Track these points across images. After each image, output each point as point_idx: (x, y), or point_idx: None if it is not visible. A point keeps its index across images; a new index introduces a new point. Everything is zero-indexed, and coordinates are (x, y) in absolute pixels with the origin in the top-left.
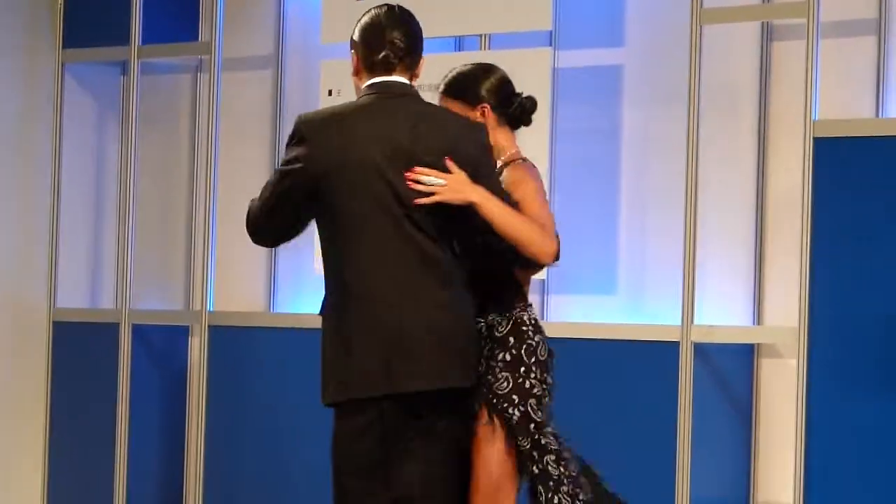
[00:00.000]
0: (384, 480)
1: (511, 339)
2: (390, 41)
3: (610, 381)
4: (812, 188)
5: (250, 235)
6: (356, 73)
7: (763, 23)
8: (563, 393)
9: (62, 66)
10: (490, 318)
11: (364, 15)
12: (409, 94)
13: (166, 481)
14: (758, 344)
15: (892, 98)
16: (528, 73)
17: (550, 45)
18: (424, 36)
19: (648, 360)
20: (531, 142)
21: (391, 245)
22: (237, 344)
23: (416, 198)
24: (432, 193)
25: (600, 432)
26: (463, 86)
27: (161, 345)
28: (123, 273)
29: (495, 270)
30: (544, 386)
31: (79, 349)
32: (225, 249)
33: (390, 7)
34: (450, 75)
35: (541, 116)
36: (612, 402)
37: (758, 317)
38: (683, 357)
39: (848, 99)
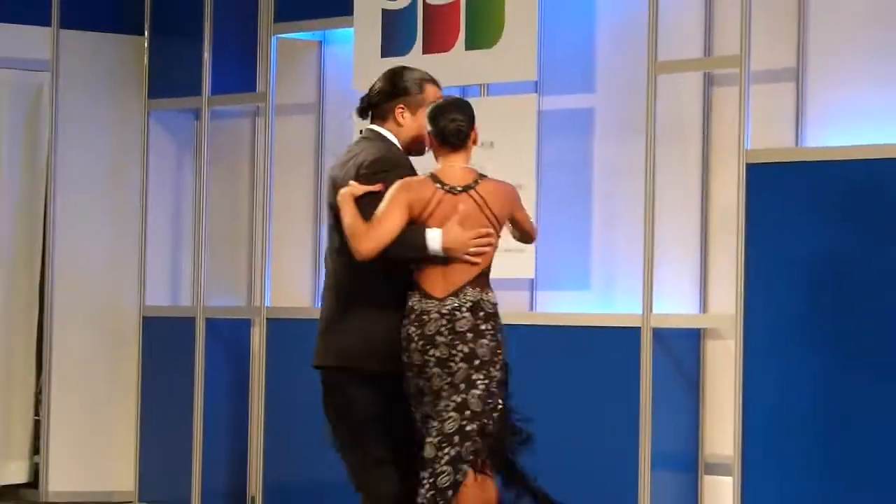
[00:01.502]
0: None
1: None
2: (374, 91)
3: (585, 360)
4: (745, 203)
5: None
6: None
7: (705, 72)
8: (548, 370)
9: (147, 112)
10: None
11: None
12: (366, 137)
13: (234, 447)
14: (704, 328)
15: (808, 131)
16: (518, 115)
17: (536, 92)
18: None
19: (616, 343)
20: (521, 169)
21: None
22: (290, 334)
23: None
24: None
25: (578, 402)
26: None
27: (228, 335)
28: (198, 277)
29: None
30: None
31: (163, 340)
32: (278, 256)
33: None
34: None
35: (528, 149)
36: (587, 377)
37: (703, 306)
38: (644, 340)
39: (774, 132)
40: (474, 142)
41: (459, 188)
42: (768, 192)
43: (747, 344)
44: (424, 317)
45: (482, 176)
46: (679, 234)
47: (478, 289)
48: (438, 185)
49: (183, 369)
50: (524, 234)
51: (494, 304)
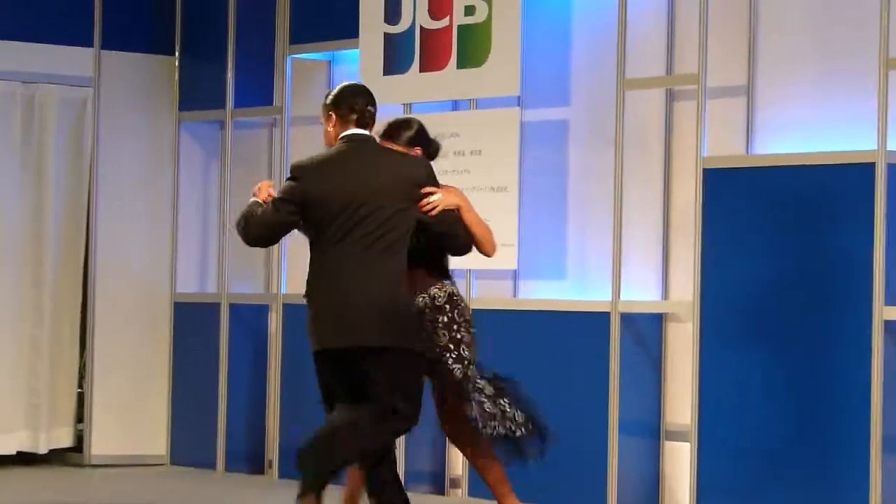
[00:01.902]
0: None
1: (447, 306)
2: (365, 106)
3: (562, 341)
4: (702, 204)
5: (252, 240)
6: (336, 127)
7: (667, 89)
8: (530, 350)
9: (178, 123)
10: (432, 291)
11: (336, 88)
12: (370, 140)
13: (254, 417)
14: (665, 313)
15: (757, 141)
16: (503, 126)
17: (518, 105)
18: (434, 100)
19: (588, 325)
20: (505, 174)
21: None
22: (303, 317)
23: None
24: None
25: (556, 377)
26: (395, 132)
27: (249, 318)
28: (223, 267)
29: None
30: (470, 335)
31: (192, 322)
32: (293, 250)
33: (355, 83)
34: (384, 125)
35: (511, 156)
36: (564, 356)
37: (665, 294)
38: (613, 323)
39: (727, 141)
40: None
41: None
42: (722, 194)
43: (703, 326)
44: None
45: None
46: (644, 230)
47: None
48: None
49: (209, 348)
50: None
51: None
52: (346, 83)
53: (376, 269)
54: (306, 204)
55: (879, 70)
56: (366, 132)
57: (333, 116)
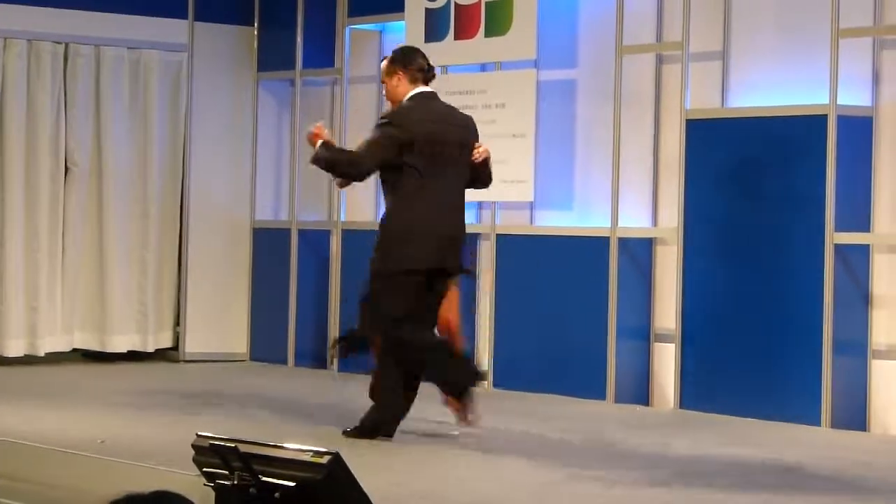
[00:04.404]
0: None
1: None
2: (429, 64)
3: (570, 260)
4: (685, 149)
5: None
6: (403, 84)
7: (657, 53)
8: (544, 269)
9: (257, 82)
10: None
11: (399, 49)
12: (437, 97)
13: (318, 322)
14: (654, 237)
15: (730, 97)
16: (522, 85)
17: (535, 67)
18: (466, 63)
19: (592, 248)
20: (524, 123)
21: None
22: (358, 241)
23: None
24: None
25: (565, 291)
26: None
27: (314, 241)
28: (293, 199)
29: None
30: None
31: (267, 244)
32: (351, 186)
33: (413, 45)
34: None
35: (529, 108)
36: (571, 272)
37: (655, 222)
38: (612, 245)
39: (705, 97)
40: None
41: None
42: (701, 141)
43: (685, 249)
44: None
45: None
46: (637, 170)
47: None
48: None
49: (281, 265)
50: None
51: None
52: (405, 45)
53: (461, 203)
54: (404, 146)
55: (831, 38)
56: (433, 89)
57: (401, 75)
